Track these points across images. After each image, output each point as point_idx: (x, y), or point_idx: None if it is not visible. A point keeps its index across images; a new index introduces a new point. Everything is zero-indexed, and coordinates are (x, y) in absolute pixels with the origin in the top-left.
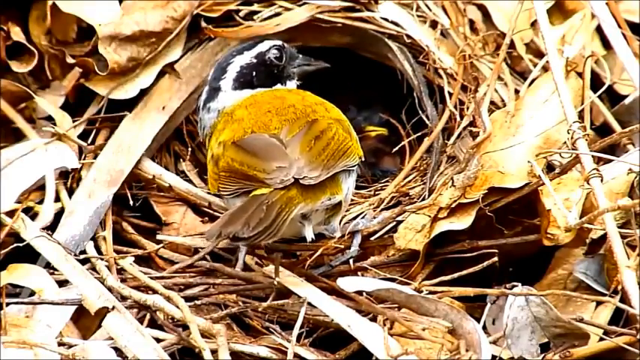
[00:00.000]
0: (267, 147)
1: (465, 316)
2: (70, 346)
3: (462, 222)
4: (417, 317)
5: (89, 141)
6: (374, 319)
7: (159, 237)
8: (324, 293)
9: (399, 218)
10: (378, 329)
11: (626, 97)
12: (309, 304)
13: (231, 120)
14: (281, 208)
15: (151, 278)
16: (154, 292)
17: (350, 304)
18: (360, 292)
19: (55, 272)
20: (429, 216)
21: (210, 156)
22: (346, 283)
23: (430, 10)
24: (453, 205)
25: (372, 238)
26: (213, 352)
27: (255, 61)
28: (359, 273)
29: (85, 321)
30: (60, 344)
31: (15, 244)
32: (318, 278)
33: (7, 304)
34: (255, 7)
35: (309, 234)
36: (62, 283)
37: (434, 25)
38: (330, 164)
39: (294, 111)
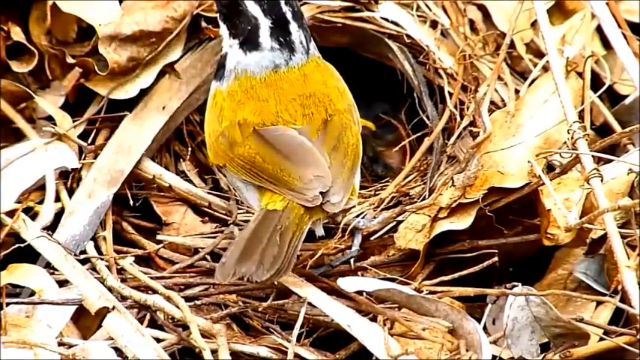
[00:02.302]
0: (300, 149)
1: (466, 316)
2: (70, 346)
3: (462, 222)
4: (418, 317)
5: (89, 141)
6: (374, 319)
7: (159, 237)
8: (324, 293)
9: (399, 218)
10: (378, 329)
11: (626, 97)
12: (309, 304)
13: (255, 95)
14: (294, 234)
15: (151, 278)
16: (154, 292)
17: (350, 304)
18: (360, 292)
19: (55, 272)
20: (429, 216)
21: (222, 130)
22: (346, 283)
23: (430, 10)
24: (453, 205)
25: (372, 238)
26: (214, 352)
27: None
28: (359, 273)
29: (85, 321)
30: (60, 344)
31: (16, 245)
32: (319, 278)
33: (7, 304)
34: None
35: (319, 231)
36: (62, 284)
37: (434, 25)
38: (350, 179)
39: (315, 102)
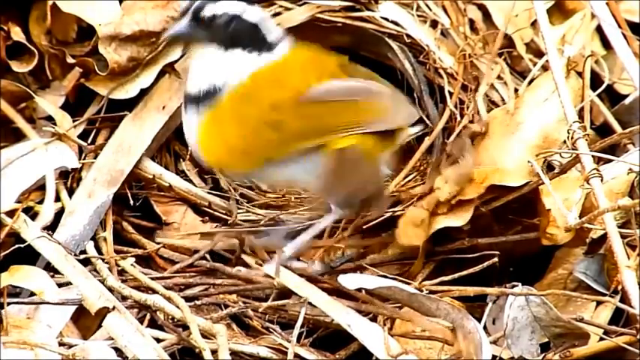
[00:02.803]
0: (368, 87)
1: (466, 315)
2: (71, 346)
3: (460, 219)
4: (418, 316)
5: (89, 141)
6: (374, 319)
7: (158, 239)
8: (325, 293)
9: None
10: (377, 329)
11: (626, 96)
12: (310, 303)
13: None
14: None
15: (151, 278)
16: (154, 292)
17: (350, 304)
18: (360, 290)
19: (56, 275)
20: (427, 209)
21: (266, 119)
22: (347, 281)
23: (430, 9)
24: (453, 202)
25: (365, 226)
26: (214, 352)
27: None
28: (358, 272)
29: (86, 321)
30: (60, 344)
31: (16, 245)
32: (319, 278)
33: (8, 304)
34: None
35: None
36: (63, 285)
37: (434, 24)
38: None
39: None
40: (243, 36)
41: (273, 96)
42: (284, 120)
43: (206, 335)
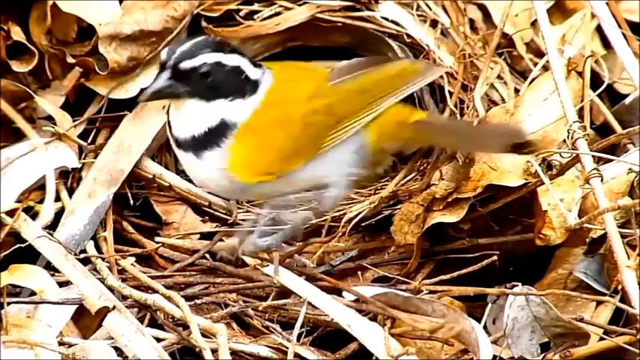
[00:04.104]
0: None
1: (462, 315)
2: (71, 346)
3: (455, 215)
4: (417, 317)
5: (89, 141)
6: (374, 319)
7: (157, 239)
8: (324, 293)
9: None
10: (378, 329)
11: (626, 96)
12: (309, 303)
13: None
14: None
15: (152, 278)
16: (155, 291)
17: (350, 304)
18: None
19: (56, 274)
20: (423, 205)
21: (297, 121)
22: (347, 294)
23: (430, 9)
24: (449, 200)
25: (364, 224)
26: (214, 351)
27: None
28: (358, 272)
29: (86, 320)
30: (60, 344)
31: (17, 245)
32: (319, 276)
33: (8, 304)
34: (256, 6)
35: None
36: (63, 285)
37: (434, 24)
38: None
39: None
40: (226, 82)
41: (301, 90)
42: (324, 107)
43: (206, 334)
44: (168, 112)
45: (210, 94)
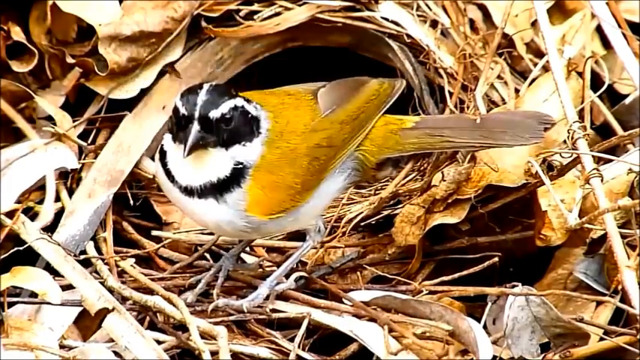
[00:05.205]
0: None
1: (460, 315)
2: (71, 349)
3: (456, 216)
4: (416, 321)
5: (89, 141)
6: (374, 320)
7: (155, 233)
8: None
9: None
10: (378, 330)
11: (626, 96)
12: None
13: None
14: None
15: (152, 279)
16: (155, 293)
17: (349, 309)
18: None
19: (57, 276)
20: (424, 207)
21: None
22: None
23: (430, 9)
24: (449, 200)
25: (363, 224)
26: (214, 353)
27: None
28: (358, 272)
29: (85, 321)
30: (61, 346)
31: (16, 248)
32: (318, 281)
33: (9, 305)
34: (256, 6)
35: None
36: (65, 288)
37: (434, 24)
38: None
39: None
40: (242, 125)
41: (300, 124)
42: (326, 140)
43: (207, 337)
44: (162, 161)
45: (229, 140)
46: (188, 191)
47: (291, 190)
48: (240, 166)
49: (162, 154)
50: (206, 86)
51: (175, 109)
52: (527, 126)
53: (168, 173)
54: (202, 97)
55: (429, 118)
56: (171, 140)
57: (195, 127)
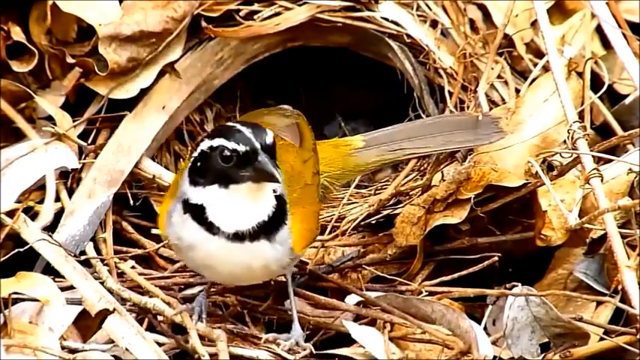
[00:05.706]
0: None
1: (461, 315)
2: (71, 350)
3: (456, 216)
4: (416, 321)
5: (89, 141)
6: (373, 323)
7: (155, 232)
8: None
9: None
10: (378, 333)
11: (626, 96)
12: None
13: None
14: None
15: (151, 278)
16: (154, 296)
17: (350, 308)
18: (359, 304)
19: (58, 279)
20: (424, 207)
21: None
22: (349, 300)
23: (430, 9)
24: (450, 201)
25: (363, 223)
26: (213, 355)
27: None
28: (358, 272)
29: (85, 321)
30: (62, 348)
31: (16, 250)
32: (322, 276)
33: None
34: (256, 6)
35: None
36: (65, 289)
37: (434, 24)
38: None
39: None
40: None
41: (292, 152)
42: (314, 167)
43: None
44: (201, 216)
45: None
46: (237, 237)
47: (316, 219)
48: (281, 198)
49: (199, 210)
50: (237, 124)
51: (222, 150)
52: (483, 125)
53: (209, 226)
54: (257, 129)
55: (379, 134)
56: (220, 187)
57: (265, 158)
